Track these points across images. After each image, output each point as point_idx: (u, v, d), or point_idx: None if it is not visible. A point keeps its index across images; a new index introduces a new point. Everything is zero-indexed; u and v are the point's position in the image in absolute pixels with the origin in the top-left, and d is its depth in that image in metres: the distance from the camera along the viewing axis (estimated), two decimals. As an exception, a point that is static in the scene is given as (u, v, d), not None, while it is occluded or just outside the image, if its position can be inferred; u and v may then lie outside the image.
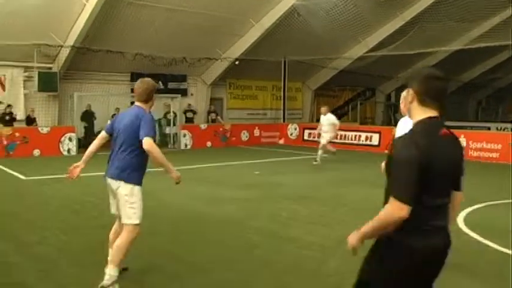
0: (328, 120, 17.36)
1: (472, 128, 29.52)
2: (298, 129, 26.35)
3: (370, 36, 26.30)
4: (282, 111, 28.56)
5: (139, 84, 5.53)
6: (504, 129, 29.98)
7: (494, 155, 19.21)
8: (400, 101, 5.55)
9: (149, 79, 5.62)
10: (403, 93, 4.55)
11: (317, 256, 6.74)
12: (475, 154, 19.62)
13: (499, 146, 19.26)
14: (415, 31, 24.90)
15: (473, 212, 9.54)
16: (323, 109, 17.92)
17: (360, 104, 34.67)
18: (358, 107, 34.40)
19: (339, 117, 33.32)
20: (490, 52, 31.71)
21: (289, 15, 22.97)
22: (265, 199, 10.93)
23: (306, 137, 25.49)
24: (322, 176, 14.63)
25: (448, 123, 25.01)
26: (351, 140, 23.56)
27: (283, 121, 28.04)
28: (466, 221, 8.70)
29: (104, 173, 5.55)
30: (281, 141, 26.45)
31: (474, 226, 8.26)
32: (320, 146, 17.41)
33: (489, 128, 31.14)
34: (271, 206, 10.16)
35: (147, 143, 5.16)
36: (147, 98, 5.49)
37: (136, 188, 5.38)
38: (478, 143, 19.79)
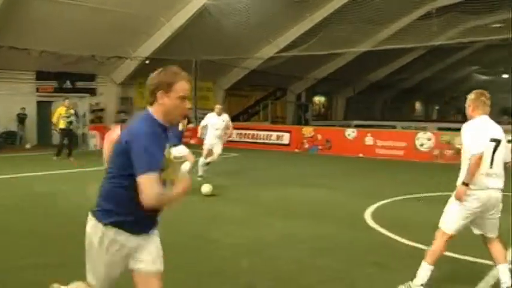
0: (223, 122, 13.74)
1: (378, 126, 30.50)
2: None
3: (281, 37, 26.65)
4: (193, 111, 28.38)
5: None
6: (408, 128, 31.14)
7: (400, 152, 19.92)
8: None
9: (161, 69, 3.49)
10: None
11: (232, 256, 6.72)
12: (382, 152, 20.27)
13: (404, 144, 20.00)
14: (325, 32, 25.43)
15: (381, 208, 9.85)
16: (218, 108, 13.90)
17: (270, 103, 35.02)
18: (269, 106, 34.73)
19: (250, 117, 33.77)
20: (396, 54, 32.93)
21: (201, 15, 22.85)
22: (193, 202, 10.78)
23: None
24: (236, 177, 14.62)
25: (356, 122, 25.84)
26: (262, 139, 23.74)
27: (195, 121, 27.86)
28: (374, 216, 8.97)
29: None
30: (193, 142, 26.24)
31: (382, 221, 8.52)
32: (210, 158, 13.44)
33: (395, 127, 32.25)
34: (199, 208, 10.04)
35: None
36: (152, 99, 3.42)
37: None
38: (384, 142, 20.46)
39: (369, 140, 20.60)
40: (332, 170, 15.81)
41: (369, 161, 19.03)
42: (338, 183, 12.70)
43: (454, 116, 53.53)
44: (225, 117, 13.82)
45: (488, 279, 5.79)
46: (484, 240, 5.55)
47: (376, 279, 5.79)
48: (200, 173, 13.03)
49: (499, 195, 5.34)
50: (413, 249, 7.01)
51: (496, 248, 5.45)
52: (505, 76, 53.32)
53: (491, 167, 5.22)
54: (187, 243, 7.27)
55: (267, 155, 20.66)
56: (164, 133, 3.37)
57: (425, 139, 19.60)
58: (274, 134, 23.61)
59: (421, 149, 19.57)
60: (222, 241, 7.40)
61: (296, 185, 12.51)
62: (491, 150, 5.20)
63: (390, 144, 20.31)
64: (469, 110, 5.45)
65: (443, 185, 12.98)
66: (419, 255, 6.71)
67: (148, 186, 3.08)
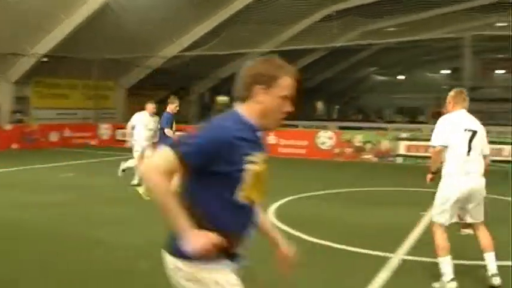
0: (155, 122, 12.78)
1: (281, 126, 30.91)
2: (110, 129, 25.68)
3: (184, 36, 26.44)
4: (93, 111, 27.72)
5: None
6: (310, 127, 31.80)
7: (302, 151, 20.32)
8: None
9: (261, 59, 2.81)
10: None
11: (128, 257, 6.60)
12: (284, 151, 20.59)
13: (306, 143, 20.41)
14: (228, 32, 25.53)
15: (284, 205, 9.99)
16: (150, 106, 12.98)
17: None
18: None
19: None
20: (298, 54, 33.51)
21: (102, 12, 22.26)
22: (78, 202, 10.49)
23: (118, 137, 24.90)
24: (130, 176, 14.35)
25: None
26: (165, 139, 23.44)
27: (95, 121, 27.20)
28: (277, 214, 9.08)
29: None
30: (93, 142, 25.61)
31: (284, 218, 8.64)
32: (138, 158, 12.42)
33: (297, 126, 32.81)
34: (84, 209, 9.78)
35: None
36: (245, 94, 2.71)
37: None
38: (286, 141, 20.77)
39: (271, 139, 20.84)
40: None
41: (272, 160, 19.06)
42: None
43: (354, 115, 55.36)
44: (156, 117, 12.73)
45: (385, 271, 5.98)
46: (464, 226, 5.84)
47: (281, 276, 5.84)
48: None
49: (480, 180, 5.60)
50: (316, 245, 7.17)
51: (484, 234, 5.70)
52: (401, 77, 55.73)
53: (468, 155, 5.49)
54: (74, 246, 7.09)
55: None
56: (257, 139, 2.68)
57: (326, 138, 20.10)
58: (177, 134, 23.38)
59: (322, 147, 20.05)
60: (114, 242, 7.26)
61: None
62: (467, 139, 5.50)
63: (292, 143, 20.67)
64: (449, 107, 5.85)
65: (343, 182, 13.44)
66: (322, 251, 6.91)
67: (157, 156, 2.55)
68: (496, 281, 5.47)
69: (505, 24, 29.34)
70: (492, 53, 48.62)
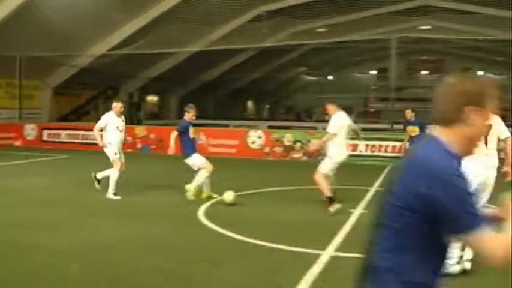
0: (123, 122, 11.77)
1: (211, 125, 30.84)
2: (36, 129, 24.85)
3: (113, 34, 25.89)
4: (17, 111, 26.80)
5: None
6: (241, 126, 31.86)
7: (232, 150, 20.30)
8: None
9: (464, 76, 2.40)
10: None
11: (59, 261, 6.37)
12: (215, 150, 20.50)
13: (236, 142, 20.42)
14: (158, 31, 25.23)
15: (214, 205, 9.93)
16: (118, 106, 11.61)
17: (102, 103, 33.95)
18: (100, 106, 33.64)
19: (81, 117, 32.54)
20: (229, 54, 33.54)
21: (26, 8, 21.50)
22: (4, 205, 10.07)
23: (45, 138, 24.17)
24: (62, 179, 13.96)
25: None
26: (93, 139, 22.81)
27: (20, 121, 26.30)
28: (208, 214, 9.01)
29: None
30: (17, 143, 24.73)
31: (215, 218, 8.58)
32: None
33: (227, 126, 32.82)
34: (11, 212, 9.39)
35: None
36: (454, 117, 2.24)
37: None
38: (217, 140, 20.72)
39: (201, 139, 20.72)
40: (165, 170, 15.64)
41: (203, 160, 19.13)
42: (172, 184, 12.55)
43: (283, 114, 55.84)
44: (122, 117, 11.72)
45: (316, 268, 6.01)
46: None
47: (210, 276, 5.79)
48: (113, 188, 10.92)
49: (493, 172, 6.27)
50: (246, 244, 7.14)
51: None
52: (330, 77, 56.64)
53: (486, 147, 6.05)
54: (2, 251, 6.80)
55: (97, 157, 19.95)
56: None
57: (256, 137, 20.15)
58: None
59: (253, 146, 20.11)
60: (45, 246, 7.00)
61: (128, 185, 12.20)
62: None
63: (222, 142, 20.63)
64: None
65: (273, 181, 13.50)
66: (252, 250, 6.89)
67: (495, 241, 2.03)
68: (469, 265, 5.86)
69: (429, 27, 30.36)
70: (417, 54, 50.20)
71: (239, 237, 7.42)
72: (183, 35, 26.31)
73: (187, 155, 10.83)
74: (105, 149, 11.28)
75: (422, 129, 14.30)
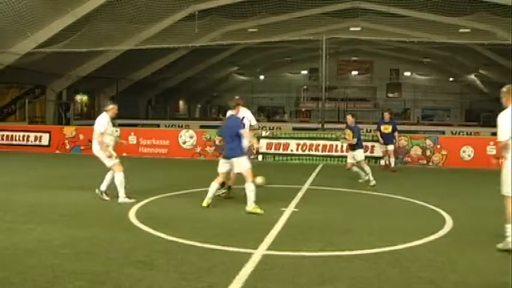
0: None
1: (142, 125, 30.45)
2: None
3: (39, 31, 25.05)
4: None
5: None
6: (172, 126, 31.62)
7: (163, 150, 20.10)
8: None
9: None
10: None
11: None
12: (146, 150, 20.26)
13: (167, 142, 20.22)
14: (87, 29, 24.66)
15: (145, 206, 9.78)
16: (114, 108, 10.88)
17: (28, 102, 32.88)
18: (26, 105, 32.56)
19: (6, 117, 31.42)
20: (160, 53, 33.18)
21: None
22: None
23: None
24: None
25: (119, 121, 25.29)
26: (19, 140, 22.13)
27: None
28: (138, 215, 8.86)
29: None
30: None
31: (145, 219, 8.44)
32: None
33: (158, 126, 32.51)
34: None
35: None
36: None
37: None
38: (148, 140, 20.45)
39: (132, 139, 20.42)
40: (94, 172, 15.28)
41: (133, 160, 18.83)
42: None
43: (215, 114, 55.83)
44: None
45: (248, 267, 6.00)
46: None
47: (141, 277, 5.67)
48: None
49: None
50: (176, 244, 7.06)
51: None
52: (262, 77, 56.95)
53: None
54: None
55: (24, 157, 19.38)
56: None
57: (188, 137, 20.03)
58: (32, 134, 22.15)
59: (184, 146, 19.97)
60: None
61: (56, 187, 11.87)
62: None
63: (154, 142, 20.39)
64: (503, 100, 7.00)
65: (205, 181, 13.39)
66: (181, 250, 6.81)
67: None
68: None
69: (359, 28, 31.01)
70: (347, 55, 51.20)
71: (170, 238, 7.33)
72: (113, 33, 25.85)
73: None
74: (100, 154, 10.50)
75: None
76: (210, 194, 9.79)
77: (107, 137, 10.57)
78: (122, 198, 10.23)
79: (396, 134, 17.62)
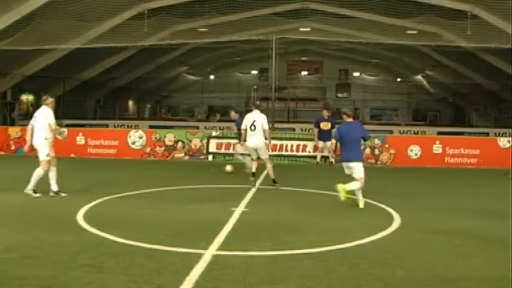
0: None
1: (91, 125, 29.96)
2: None
3: (-19, 28, 24.32)
4: None
5: None
6: (121, 126, 31.22)
7: (112, 151, 19.83)
8: None
9: None
10: None
11: None
12: (94, 151, 19.95)
13: (116, 142, 19.95)
14: (33, 26, 24.08)
15: (93, 208, 9.61)
16: (53, 101, 11.33)
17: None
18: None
19: None
20: (108, 53, 32.72)
21: None
22: None
23: None
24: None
25: (67, 121, 24.91)
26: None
27: None
28: (86, 217, 8.70)
29: None
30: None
31: (94, 221, 8.29)
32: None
33: (107, 126, 32.04)
34: None
35: None
36: None
37: None
38: (96, 141, 20.14)
39: (80, 140, 20.07)
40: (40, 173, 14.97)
41: (81, 161, 18.53)
42: (46, 186, 11.99)
43: (164, 114, 55.41)
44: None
45: (198, 268, 5.97)
46: None
47: (89, 280, 5.56)
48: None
49: None
50: (125, 246, 6.97)
51: None
52: (212, 77, 56.83)
53: None
54: None
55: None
56: None
57: (137, 137, 19.82)
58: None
59: (133, 146, 19.75)
60: None
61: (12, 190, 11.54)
62: None
63: (102, 143, 20.09)
64: None
65: (155, 181, 13.30)
66: (130, 251, 6.72)
67: None
68: None
69: (308, 29, 31.28)
70: (297, 55, 51.56)
71: (119, 239, 7.22)
72: (60, 31, 25.31)
73: None
74: (42, 147, 10.85)
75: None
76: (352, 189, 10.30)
77: (48, 131, 10.85)
78: (29, 190, 10.62)
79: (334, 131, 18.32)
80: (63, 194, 10.72)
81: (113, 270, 5.95)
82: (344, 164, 10.52)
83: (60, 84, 37.99)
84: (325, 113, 18.46)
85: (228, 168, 15.36)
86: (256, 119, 12.76)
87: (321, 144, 18.23)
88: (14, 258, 6.37)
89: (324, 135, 17.90)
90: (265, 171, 13.65)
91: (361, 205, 10.23)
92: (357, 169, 10.32)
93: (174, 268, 6.01)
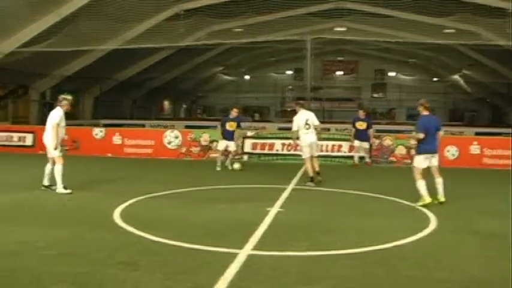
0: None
1: (127, 125, 30.29)
2: None
3: (22, 31, 24.78)
4: None
5: None
6: (157, 126, 31.50)
7: (148, 150, 19.99)
8: None
9: None
10: None
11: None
12: (131, 151, 20.13)
13: (153, 142, 20.11)
14: (72, 28, 24.46)
15: (130, 207, 9.69)
16: (68, 100, 11.95)
17: (11, 102, 32.61)
18: (9, 105, 32.27)
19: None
20: (145, 53, 33.03)
21: None
22: None
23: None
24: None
25: (104, 121, 25.22)
26: (2, 141, 21.86)
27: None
28: (123, 215, 8.78)
29: None
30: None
31: (130, 220, 8.37)
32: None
33: (144, 126, 32.35)
34: None
35: None
36: None
37: None
38: (133, 140, 20.32)
39: (117, 140, 20.30)
40: (80, 171, 15.21)
41: (118, 160, 18.75)
42: (86, 185, 12.17)
43: (200, 114, 55.67)
44: None
45: (234, 267, 5.97)
46: None
47: (125, 278, 5.61)
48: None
49: None
50: (160, 244, 7.02)
51: None
52: (247, 77, 56.88)
53: None
54: None
55: (6, 158, 19.18)
56: None
57: (173, 137, 19.93)
58: (16, 135, 21.89)
59: (169, 146, 19.87)
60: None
61: (39, 188, 11.75)
62: None
63: (139, 143, 20.27)
64: None
65: (191, 181, 13.36)
66: (166, 250, 6.76)
67: None
68: None
69: (344, 29, 31.09)
70: (332, 55, 51.30)
71: (155, 238, 7.27)
72: (98, 32, 25.65)
73: None
74: (49, 144, 11.46)
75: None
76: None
77: (61, 130, 11.46)
78: (60, 188, 11.04)
79: (371, 131, 18.36)
80: (53, 187, 11.24)
81: (149, 268, 5.98)
82: (425, 156, 10.70)
83: (98, 84, 38.55)
84: (361, 113, 18.51)
85: (236, 166, 16.08)
86: (309, 117, 13.41)
87: (356, 143, 18.11)
88: (52, 255, 6.48)
89: (360, 135, 17.91)
90: (301, 170, 13.62)
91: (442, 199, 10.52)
92: (435, 160, 10.73)
93: (209, 267, 6.03)
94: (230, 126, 16.80)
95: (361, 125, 18.08)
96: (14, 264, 6.09)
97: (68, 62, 31.39)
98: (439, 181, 10.65)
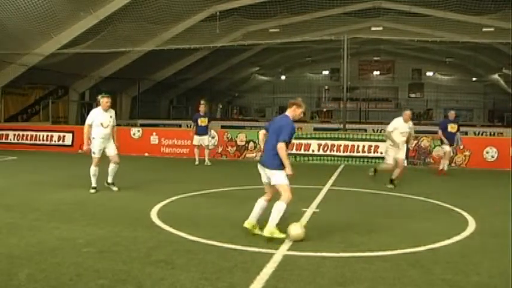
0: (112, 118, 11.77)
1: (164, 125, 30.58)
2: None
3: (62, 33, 25.28)
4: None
5: None
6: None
7: (185, 150, 20.16)
8: None
9: None
10: None
11: (8, 267, 6.14)
12: (167, 150, 20.36)
13: (189, 142, 20.24)
14: (110, 30, 24.84)
15: (166, 206, 9.82)
16: (106, 100, 11.54)
17: (51, 102, 33.27)
18: (50, 106, 32.94)
19: (30, 117, 31.83)
20: (181, 54, 33.33)
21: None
22: None
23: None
24: (11, 180, 13.54)
25: (141, 121, 25.48)
26: (43, 140, 22.37)
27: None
28: (160, 214, 8.91)
29: None
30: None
31: (167, 219, 8.49)
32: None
33: (180, 126, 32.61)
34: None
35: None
36: None
37: None
38: (169, 140, 20.54)
39: (154, 139, 20.55)
40: (118, 171, 15.43)
41: (155, 160, 18.98)
42: (124, 184, 12.35)
43: (235, 114, 55.79)
44: (113, 112, 11.76)
45: (270, 267, 6.02)
46: None
47: (162, 276, 5.71)
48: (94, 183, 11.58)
49: None
50: (197, 243, 7.09)
51: None
52: (283, 77, 56.84)
53: None
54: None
55: (48, 157, 19.59)
56: None
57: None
58: (56, 134, 22.38)
59: (206, 146, 19.99)
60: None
61: (79, 187, 11.98)
62: None
63: (175, 142, 20.47)
64: None
65: (227, 181, 13.45)
66: (203, 249, 6.84)
67: None
68: None
69: (380, 28, 30.83)
70: (369, 55, 50.90)
71: (191, 237, 7.36)
72: (135, 34, 26.01)
73: None
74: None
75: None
76: None
77: (95, 129, 11.44)
78: (91, 189, 11.36)
79: (458, 134, 16.44)
80: (114, 189, 11.57)
81: (186, 267, 6.07)
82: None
83: (135, 85, 39.01)
84: (452, 114, 16.54)
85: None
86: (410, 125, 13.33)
87: (447, 148, 16.14)
88: (93, 252, 6.62)
89: (451, 139, 16.11)
90: (338, 170, 13.56)
91: None
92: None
93: (245, 267, 6.08)
94: (452, 128, 16.04)
95: (453, 128, 16.10)
96: (55, 260, 6.26)
97: (106, 63, 31.89)
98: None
